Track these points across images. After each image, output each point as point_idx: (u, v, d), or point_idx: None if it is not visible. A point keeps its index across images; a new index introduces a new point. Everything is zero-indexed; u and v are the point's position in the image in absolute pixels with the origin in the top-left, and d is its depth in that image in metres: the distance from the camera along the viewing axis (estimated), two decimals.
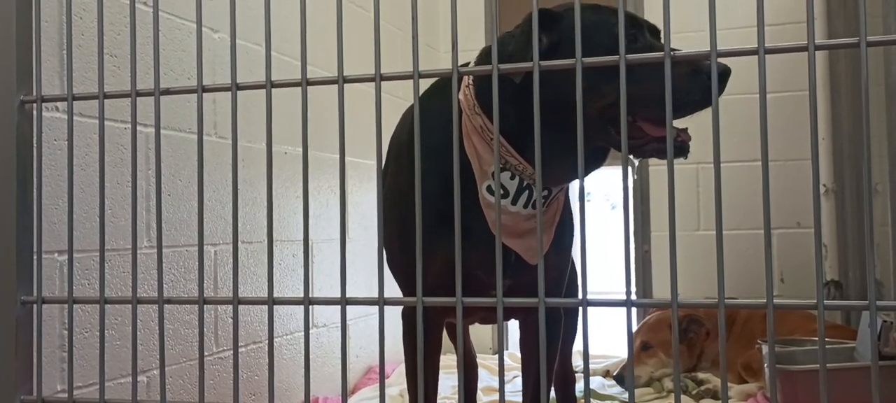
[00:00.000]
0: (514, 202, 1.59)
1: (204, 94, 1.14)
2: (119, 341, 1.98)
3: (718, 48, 0.95)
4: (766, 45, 0.93)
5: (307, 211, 1.11)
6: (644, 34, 1.52)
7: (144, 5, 2.07)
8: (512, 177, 1.58)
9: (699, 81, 1.39)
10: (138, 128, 1.19)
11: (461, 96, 1.62)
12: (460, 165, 1.53)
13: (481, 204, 1.60)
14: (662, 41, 1.54)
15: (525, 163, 1.56)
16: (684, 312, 3.12)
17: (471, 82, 1.62)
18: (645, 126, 1.48)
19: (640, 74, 1.38)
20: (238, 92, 1.13)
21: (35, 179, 1.24)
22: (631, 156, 1.55)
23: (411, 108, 1.94)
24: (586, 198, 1.09)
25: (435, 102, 1.58)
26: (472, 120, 1.59)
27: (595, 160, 1.60)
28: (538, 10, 1.51)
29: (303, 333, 1.10)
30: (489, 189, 1.59)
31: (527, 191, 1.59)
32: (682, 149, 1.48)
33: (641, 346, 3.10)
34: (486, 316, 1.99)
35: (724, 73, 1.38)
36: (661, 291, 3.79)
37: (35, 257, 1.23)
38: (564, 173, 1.57)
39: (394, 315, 1.81)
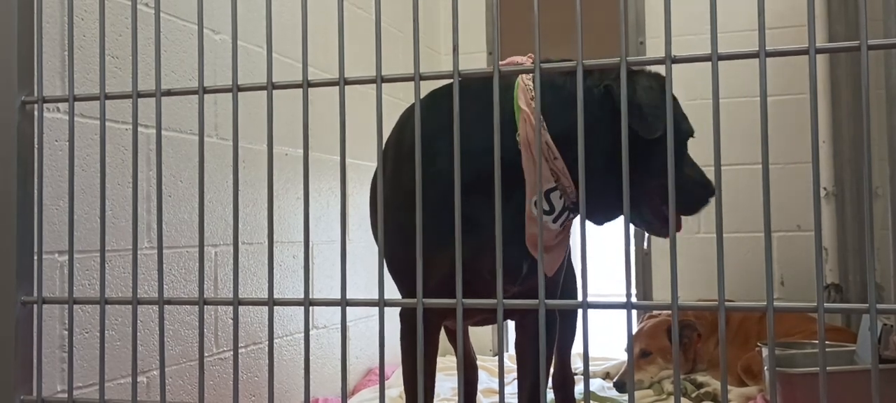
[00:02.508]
0: (555, 220, 1.68)
1: (205, 96, 1.14)
2: (119, 341, 1.98)
3: (719, 51, 0.95)
4: (766, 47, 0.93)
5: (308, 213, 1.11)
6: (686, 161, 1.75)
7: (146, 6, 2.07)
8: (560, 197, 1.66)
9: (708, 192, 1.75)
10: (139, 129, 1.19)
11: (523, 105, 1.64)
12: (510, 171, 1.59)
13: (527, 216, 1.64)
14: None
15: (574, 187, 1.65)
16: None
17: (533, 95, 1.65)
18: (664, 209, 1.70)
19: (678, 179, 1.57)
20: (239, 93, 1.13)
21: (36, 180, 1.24)
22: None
23: (410, 110, 1.94)
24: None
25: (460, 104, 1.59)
26: (537, 131, 1.61)
27: (616, 211, 1.72)
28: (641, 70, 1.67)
29: (303, 334, 1.10)
30: (537, 204, 1.63)
31: (566, 212, 1.69)
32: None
33: (640, 353, 3.11)
34: (484, 318, 2.00)
35: (709, 192, 1.72)
36: (661, 293, 3.79)
37: (35, 257, 1.23)
38: (605, 215, 1.74)
39: (394, 316, 1.82)
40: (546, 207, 1.65)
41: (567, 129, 1.47)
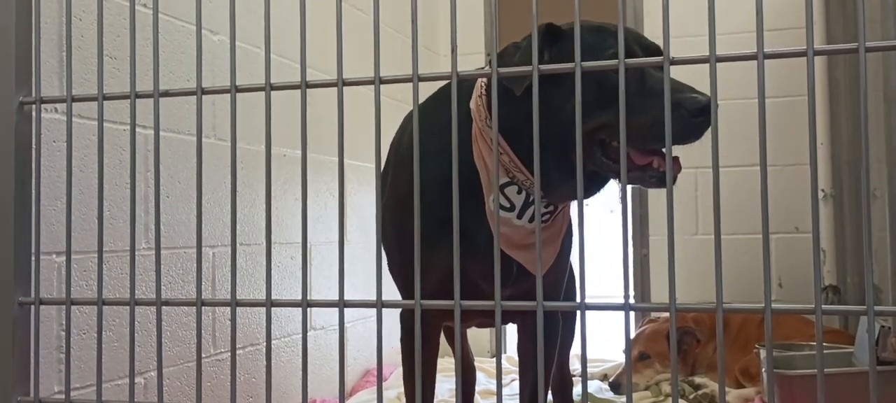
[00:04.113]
0: (519, 216, 1.60)
1: (203, 96, 1.14)
2: (117, 342, 1.97)
3: (717, 53, 0.95)
4: (765, 49, 0.93)
5: (306, 214, 1.11)
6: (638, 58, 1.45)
7: (144, 7, 2.07)
8: (519, 192, 1.59)
9: (677, 116, 1.33)
10: (137, 129, 1.19)
11: (472, 105, 1.62)
12: (468, 175, 1.55)
13: (487, 215, 1.60)
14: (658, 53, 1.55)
15: (532, 177, 1.56)
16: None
17: (484, 92, 1.61)
18: (631, 152, 1.46)
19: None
20: (237, 94, 1.13)
21: (33, 180, 1.23)
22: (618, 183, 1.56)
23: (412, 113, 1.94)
24: (585, 203, 1.09)
25: (441, 107, 1.58)
26: (482, 131, 1.59)
27: (597, 183, 1.60)
28: (545, 24, 1.52)
29: (301, 335, 1.10)
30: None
31: (532, 206, 1.59)
32: (662, 179, 1.45)
33: (639, 356, 3.11)
34: (484, 320, 1.99)
35: (707, 108, 1.34)
36: (659, 295, 3.79)
37: (33, 258, 1.23)
38: (569, 191, 1.57)
39: (392, 318, 1.81)
40: (506, 204, 1.59)
41: (509, 121, 1.38)
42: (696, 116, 1.35)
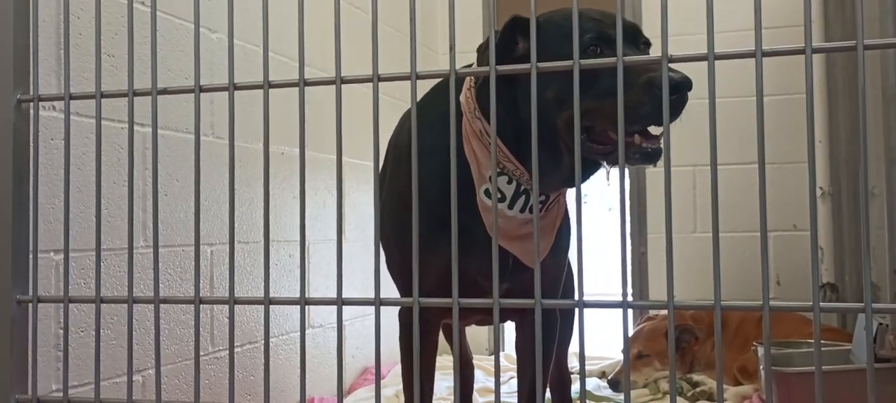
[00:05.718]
0: (510, 206, 1.60)
1: (201, 94, 1.14)
2: (115, 340, 1.97)
3: (715, 50, 0.95)
4: (763, 47, 0.93)
5: (304, 212, 1.11)
6: (613, 46, 1.42)
7: (142, 5, 2.07)
8: (509, 182, 1.59)
9: (652, 94, 1.33)
10: (135, 127, 1.19)
11: (462, 99, 1.63)
12: (464, 170, 1.56)
13: (479, 207, 1.60)
14: (647, 46, 1.55)
15: (522, 168, 1.57)
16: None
17: (473, 85, 1.62)
18: (612, 134, 1.47)
19: (600, 86, 1.41)
20: (235, 92, 1.13)
21: (31, 178, 1.23)
22: (606, 164, 1.56)
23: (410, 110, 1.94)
24: (583, 200, 1.09)
25: (436, 104, 1.58)
26: (471, 123, 1.60)
27: (587, 168, 1.60)
28: (514, 16, 1.53)
29: (299, 333, 1.10)
30: (487, 192, 1.60)
31: (523, 196, 1.60)
32: (650, 156, 1.45)
33: (637, 355, 3.11)
34: (484, 318, 1.99)
35: (681, 84, 1.33)
36: (657, 293, 3.79)
37: (31, 256, 1.23)
38: (559, 180, 1.59)
39: (390, 315, 1.82)
40: (497, 194, 1.61)
41: (498, 114, 1.38)
42: (670, 94, 1.34)
